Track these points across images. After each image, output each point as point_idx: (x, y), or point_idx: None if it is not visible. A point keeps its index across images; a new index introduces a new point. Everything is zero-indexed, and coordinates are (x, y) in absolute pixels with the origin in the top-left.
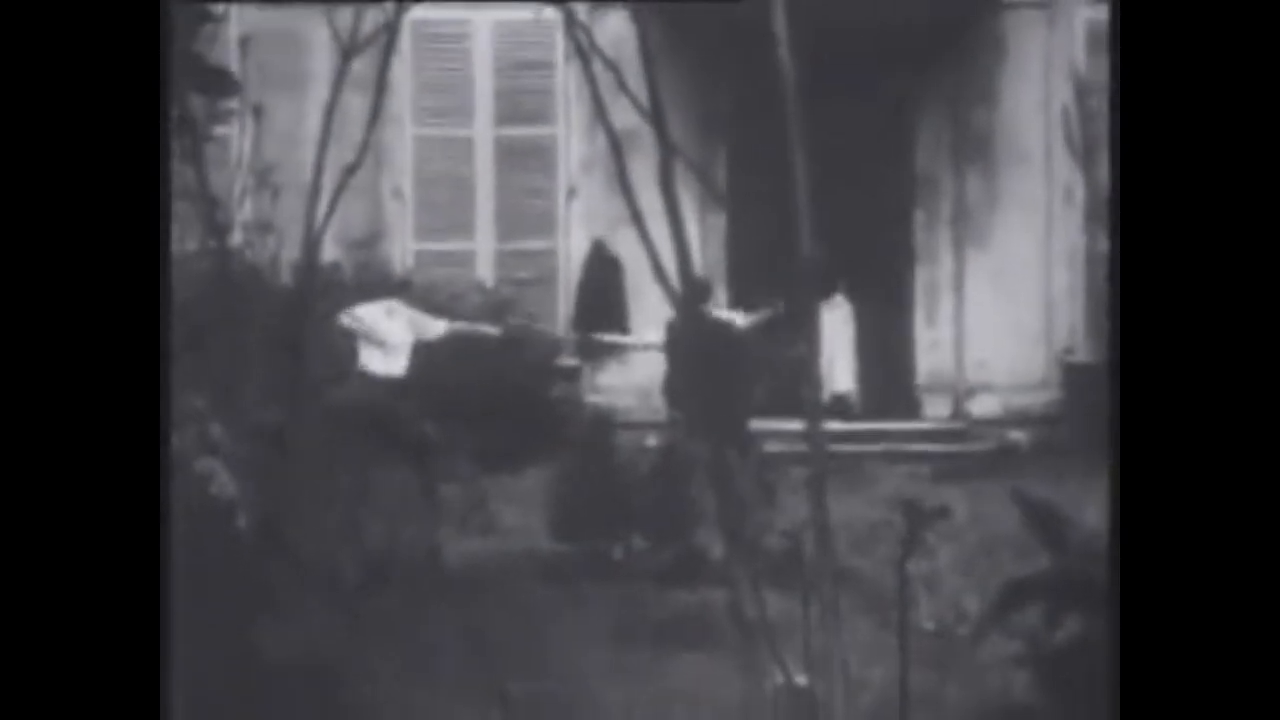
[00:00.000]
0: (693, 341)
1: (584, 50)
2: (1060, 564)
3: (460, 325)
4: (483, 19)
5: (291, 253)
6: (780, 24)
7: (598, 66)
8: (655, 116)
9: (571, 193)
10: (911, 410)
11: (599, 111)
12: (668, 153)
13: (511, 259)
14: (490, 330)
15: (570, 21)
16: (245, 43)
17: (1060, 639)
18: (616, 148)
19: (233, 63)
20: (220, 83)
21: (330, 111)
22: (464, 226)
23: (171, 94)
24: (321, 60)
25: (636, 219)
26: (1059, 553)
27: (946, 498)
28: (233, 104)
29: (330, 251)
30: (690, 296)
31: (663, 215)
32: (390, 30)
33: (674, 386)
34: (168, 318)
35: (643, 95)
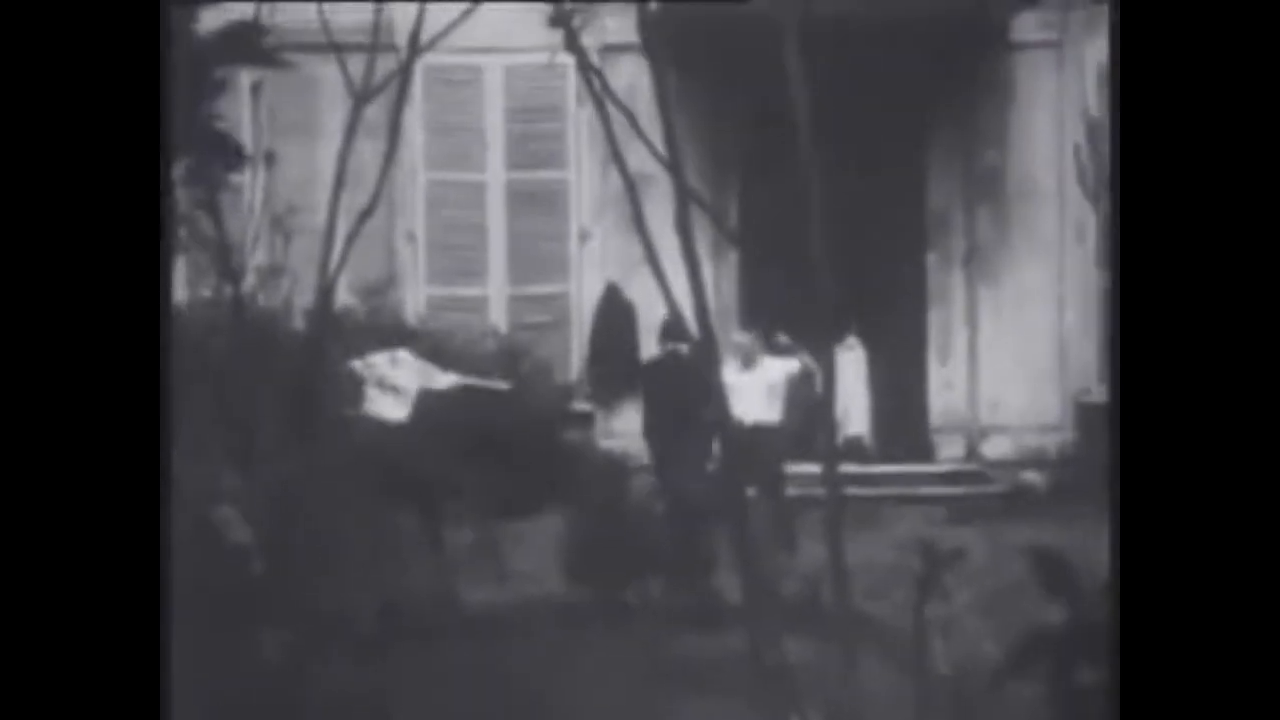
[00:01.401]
0: (666, 382)
1: (597, 94)
2: (1073, 615)
3: (469, 379)
4: (494, 64)
5: (304, 298)
6: (794, 63)
7: (611, 109)
8: (671, 160)
9: (584, 236)
10: (926, 452)
11: (614, 155)
12: (684, 196)
13: (524, 304)
14: (499, 385)
15: (584, 65)
16: (257, 89)
17: (1079, 685)
18: (631, 191)
19: (245, 110)
20: (225, 148)
21: (344, 157)
22: (477, 271)
23: (173, 108)
24: (334, 106)
25: (651, 261)
26: (1070, 604)
27: (962, 540)
28: (245, 151)
29: (343, 297)
30: (667, 337)
31: (675, 257)
32: (403, 76)
33: (650, 427)
34: (168, 337)
35: (657, 138)
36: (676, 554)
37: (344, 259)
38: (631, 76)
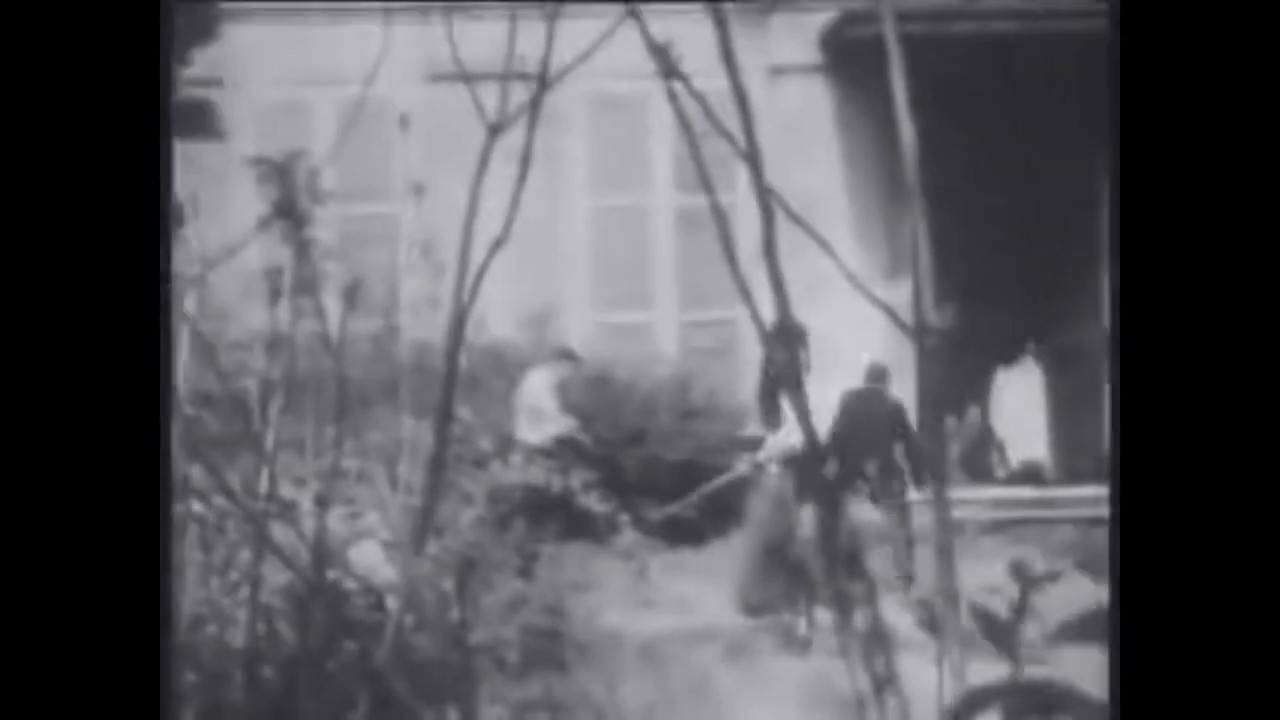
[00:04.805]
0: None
1: (694, 117)
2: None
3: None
4: (657, 88)
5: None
6: (899, 88)
7: (711, 134)
8: (756, 178)
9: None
10: (1105, 475)
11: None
12: (770, 219)
13: (693, 329)
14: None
15: (676, 93)
16: (404, 121)
17: None
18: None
19: (394, 140)
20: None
21: (477, 185)
22: (643, 297)
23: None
24: (484, 135)
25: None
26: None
27: None
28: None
29: (506, 327)
30: (871, 378)
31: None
32: (533, 107)
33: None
34: (168, 340)
35: (833, 159)
36: (842, 580)
37: (477, 287)
38: (801, 98)
